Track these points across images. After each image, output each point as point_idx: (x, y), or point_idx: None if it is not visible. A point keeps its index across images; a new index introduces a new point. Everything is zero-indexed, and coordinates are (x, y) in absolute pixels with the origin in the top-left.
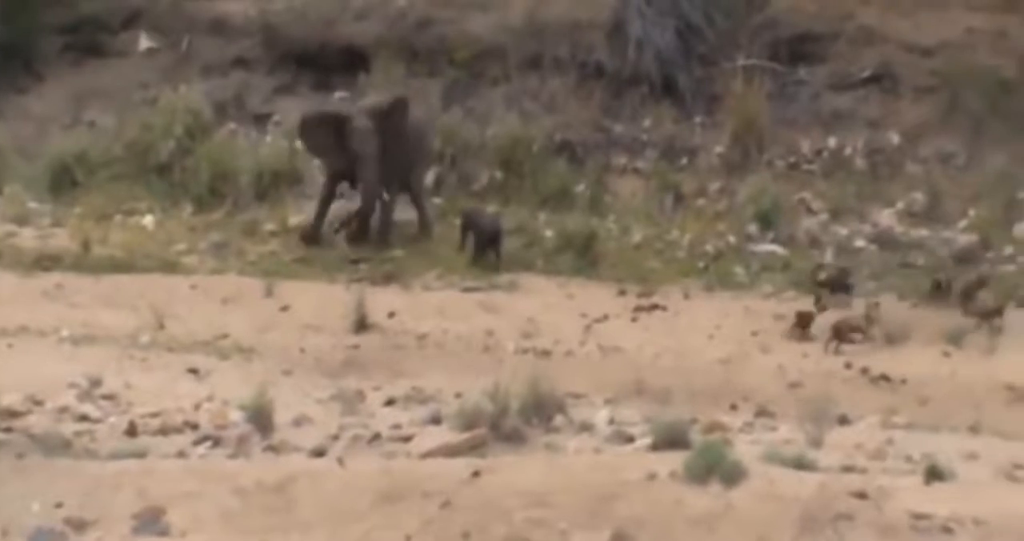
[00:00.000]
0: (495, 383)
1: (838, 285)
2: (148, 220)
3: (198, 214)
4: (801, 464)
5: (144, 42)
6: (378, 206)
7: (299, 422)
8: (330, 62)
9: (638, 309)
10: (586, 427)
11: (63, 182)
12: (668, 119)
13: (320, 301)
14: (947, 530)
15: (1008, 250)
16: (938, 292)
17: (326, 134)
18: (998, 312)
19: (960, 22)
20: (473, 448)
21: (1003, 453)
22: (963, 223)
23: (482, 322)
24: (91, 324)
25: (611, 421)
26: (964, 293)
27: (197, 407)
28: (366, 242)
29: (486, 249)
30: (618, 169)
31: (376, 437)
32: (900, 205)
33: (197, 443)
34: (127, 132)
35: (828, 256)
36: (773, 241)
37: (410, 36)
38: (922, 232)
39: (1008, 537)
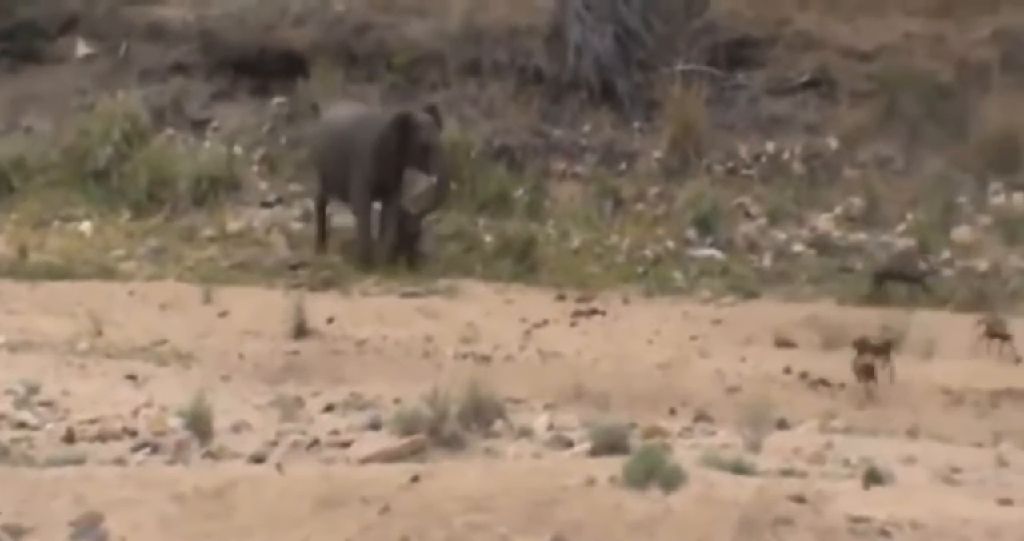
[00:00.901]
0: (434, 388)
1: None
2: (85, 226)
3: (136, 220)
4: (740, 468)
5: (81, 48)
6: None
7: (238, 428)
8: (269, 67)
9: (577, 314)
10: (525, 432)
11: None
12: (607, 124)
13: (259, 307)
14: (885, 533)
15: (946, 254)
16: (879, 287)
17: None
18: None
19: (898, 27)
20: (412, 453)
21: (941, 456)
22: (901, 227)
23: (421, 327)
24: (28, 330)
25: (550, 426)
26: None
27: (135, 413)
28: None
29: (400, 250)
30: (557, 174)
31: (315, 443)
32: (838, 210)
33: (135, 450)
34: (64, 138)
35: (767, 260)
36: (712, 246)
37: (348, 41)
38: (860, 236)
39: (945, 539)
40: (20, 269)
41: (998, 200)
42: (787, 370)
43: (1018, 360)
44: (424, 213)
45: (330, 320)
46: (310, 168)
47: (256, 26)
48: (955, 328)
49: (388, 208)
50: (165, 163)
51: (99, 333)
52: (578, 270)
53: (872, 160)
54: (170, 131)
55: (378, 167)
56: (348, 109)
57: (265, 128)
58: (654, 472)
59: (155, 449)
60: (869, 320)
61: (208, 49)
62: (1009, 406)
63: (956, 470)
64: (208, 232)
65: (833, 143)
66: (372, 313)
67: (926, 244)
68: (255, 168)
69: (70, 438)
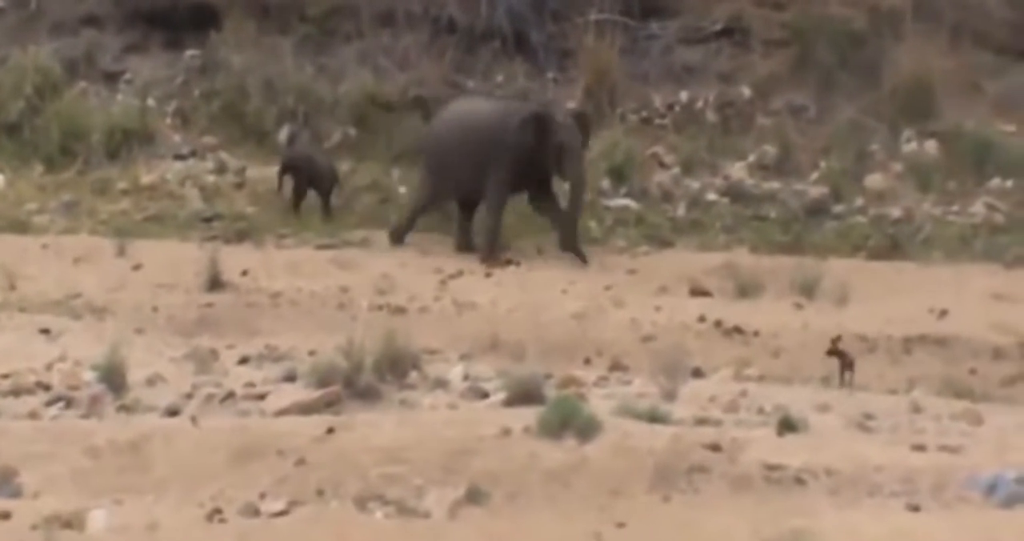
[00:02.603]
0: (349, 340)
1: None
2: None
3: (49, 173)
4: (655, 417)
5: None
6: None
7: (152, 381)
8: (181, 20)
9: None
10: (441, 383)
11: None
12: (521, 74)
13: (172, 260)
14: (800, 481)
15: (859, 202)
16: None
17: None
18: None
19: None
20: (327, 405)
21: (854, 403)
22: (814, 175)
23: (336, 279)
24: None
25: (466, 377)
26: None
27: (49, 367)
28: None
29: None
30: None
31: (230, 395)
32: (752, 158)
33: (49, 404)
34: None
35: (680, 209)
36: (626, 195)
37: None
38: (774, 184)
39: (859, 486)
40: None
41: (910, 147)
42: (702, 319)
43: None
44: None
45: (244, 273)
46: (430, 164)
47: None
48: (868, 275)
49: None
50: (78, 116)
51: (12, 287)
52: None
53: (785, 108)
54: (83, 84)
55: (514, 167)
56: (479, 102)
57: (178, 81)
58: (569, 422)
59: (69, 403)
60: (781, 269)
61: (120, 1)
62: (922, 352)
63: (870, 417)
64: (121, 185)
65: (746, 92)
66: (286, 265)
67: (839, 191)
68: (168, 121)
69: None
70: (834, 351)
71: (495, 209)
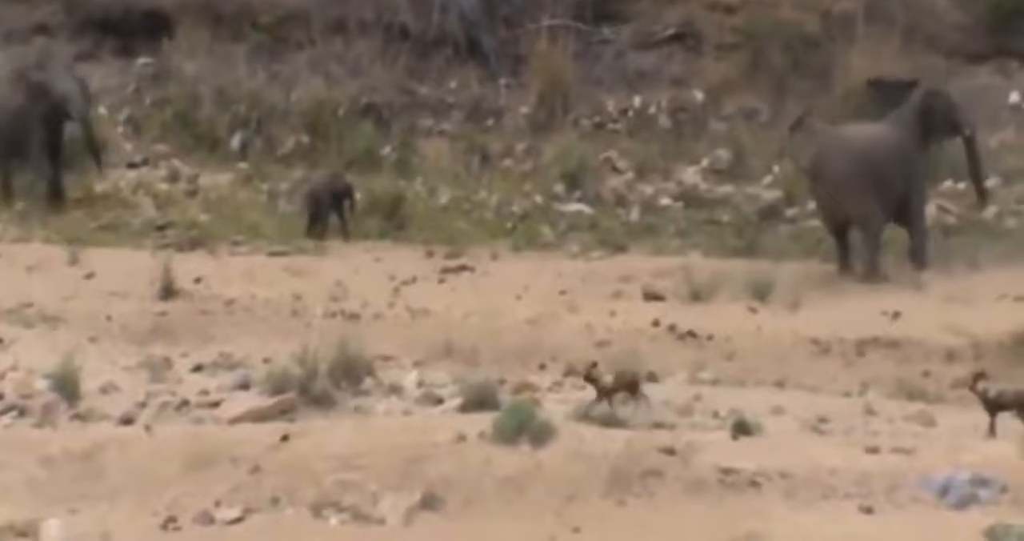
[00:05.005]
0: (303, 347)
1: None
2: None
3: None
4: (609, 422)
5: None
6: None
7: (106, 390)
8: (133, 28)
9: (446, 271)
10: (395, 389)
11: None
12: (473, 81)
13: (126, 268)
14: (754, 484)
15: (811, 205)
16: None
17: None
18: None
19: None
20: (282, 412)
21: (808, 406)
22: (767, 179)
23: (290, 286)
24: None
25: (420, 383)
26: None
27: (2, 376)
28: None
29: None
30: (424, 131)
31: (184, 404)
32: (705, 162)
33: (2, 413)
34: None
35: (634, 214)
36: (580, 200)
37: (214, 1)
38: (727, 189)
39: (813, 488)
40: None
41: None
42: (655, 323)
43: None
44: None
45: (198, 280)
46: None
47: None
48: (821, 279)
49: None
50: None
51: None
52: (447, 227)
53: (738, 112)
54: None
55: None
56: (872, 129)
57: (130, 88)
58: (524, 427)
59: (22, 412)
60: (735, 273)
61: (72, 9)
62: (875, 355)
63: (824, 420)
64: (75, 194)
65: (699, 96)
66: (240, 273)
67: (792, 195)
68: (120, 129)
69: None
70: None
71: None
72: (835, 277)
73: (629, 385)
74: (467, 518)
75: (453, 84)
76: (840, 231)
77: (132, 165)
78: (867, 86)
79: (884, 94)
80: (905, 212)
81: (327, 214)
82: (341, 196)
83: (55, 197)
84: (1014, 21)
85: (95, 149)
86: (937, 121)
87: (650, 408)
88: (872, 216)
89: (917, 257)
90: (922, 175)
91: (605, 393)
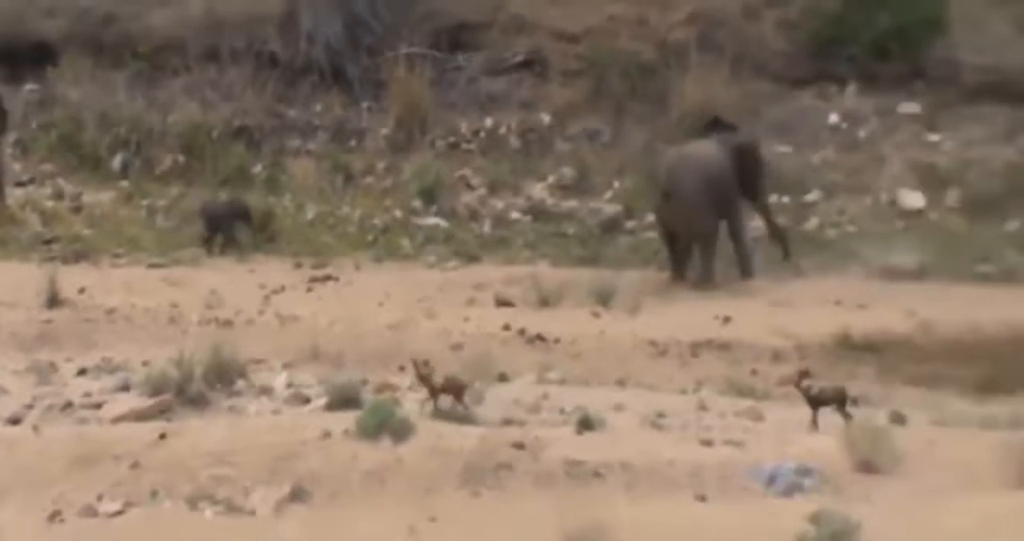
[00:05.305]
0: (180, 352)
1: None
2: None
3: None
4: (464, 419)
5: None
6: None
7: None
8: (21, 57)
9: (313, 280)
10: (266, 390)
11: None
12: (338, 105)
13: (14, 280)
14: (598, 475)
15: (649, 218)
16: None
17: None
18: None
19: (604, 10)
20: (160, 412)
21: (647, 403)
22: (608, 194)
23: (167, 296)
24: None
25: (289, 384)
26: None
27: None
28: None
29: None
30: (292, 151)
31: (69, 405)
32: (551, 179)
33: None
34: None
35: (487, 227)
36: (436, 214)
37: (96, 31)
38: (572, 203)
39: (652, 479)
40: None
41: None
42: (506, 327)
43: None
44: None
45: (81, 290)
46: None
47: (7, 17)
48: (658, 286)
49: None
50: None
51: None
52: (313, 240)
53: (582, 133)
54: None
55: None
56: (708, 148)
57: (18, 113)
58: (385, 424)
59: None
60: (579, 281)
61: None
62: (708, 356)
63: (661, 415)
64: None
65: (546, 118)
66: (121, 283)
67: (631, 209)
68: (9, 150)
69: None
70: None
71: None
72: (670, 284)
73: (456, 389)
74: (333, 509)
75: (319, 108)
76: (675, 242)
77: (20, 184)
78: (704, 126)
79: (715, 131)
80: (732, 225)
81: (226, 232)
82: (235, 216)
83: None
84: (832, 49)
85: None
86: (744, 174)
87: (468, 410)
88: (712, 229)
89: (745, 267)
90: (718, 190)
91: (434, 392)
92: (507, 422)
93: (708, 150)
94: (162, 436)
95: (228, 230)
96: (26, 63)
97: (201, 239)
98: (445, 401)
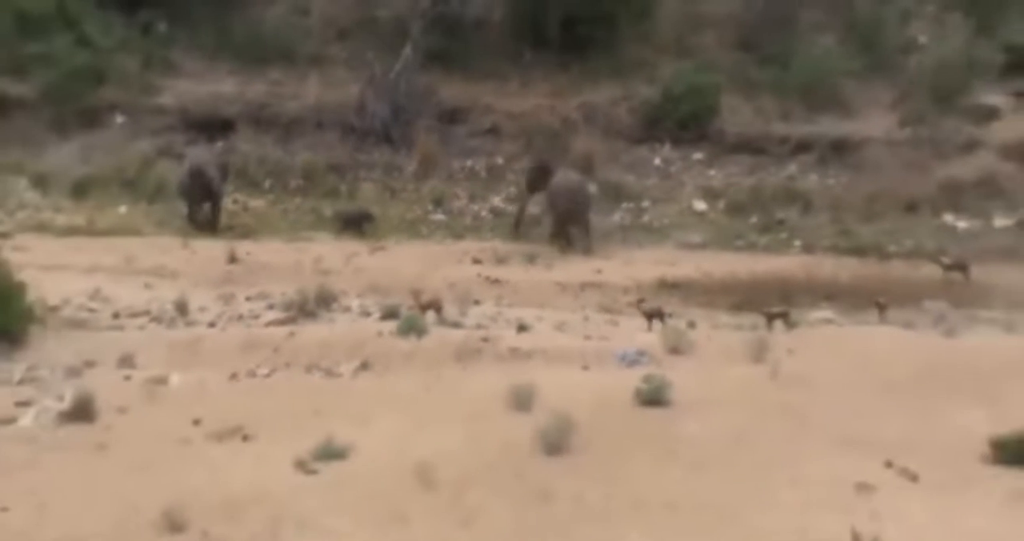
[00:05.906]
0: (301, 287)
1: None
2: None
3: None
4: (455, 324)
5: None
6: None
7: None
8: (213, 127)
9: (373, 250)
10: (347, 309)
11: None
12: (386, 153)
13: (210, 247)
14: (529, 356)
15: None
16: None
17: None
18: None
19: (531, 100)
20: (290, 321)
21: (554, 317)
22: (535, 203)
23: (293, 257)
24: None
25: (360, 306)
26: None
27: None
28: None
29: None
30: (362, 179)
31: (240, 316)
32: (504, 194)
33: None
34: None
35: (468, 220)
36: (440, 214)
37: (256, 112)
38: (514, 208)
39: (560, 358)
40: None
41: None
42: (479, 275)
43: None
44: None
45: (248, 253)
46: None
47: (206, 105)
48: (561, 253)
49: None
50: None
51: None
52: (373, 228)
53: (520, 169)
54: None
55: None
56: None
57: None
58: (412, 328)
59: None
60: (519, 250)
61: None
62: (590, 291)
63: (563, 324)
64: None
65: (500, 160)
66: (268, 250)
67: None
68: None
69: None
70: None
71: None
72: (567, 252)
73: (436, 305)
74: (384, 375)
75: (376, 155)
76: (567, 229)
77: None
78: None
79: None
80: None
81: (355, 227)
82: (363, 218)
83: None
84: (657, 123)
85: None
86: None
87: (443, 320)
88: (588, 222)
89: (588, 245)
90: (591, 200)
91: (422, 308)
92: (479, 327)
93: (572, 176)
94: (291, 334)
95: (357, 226)
96: (216, 130)
97: (336, 230)
98: (430, 315)
